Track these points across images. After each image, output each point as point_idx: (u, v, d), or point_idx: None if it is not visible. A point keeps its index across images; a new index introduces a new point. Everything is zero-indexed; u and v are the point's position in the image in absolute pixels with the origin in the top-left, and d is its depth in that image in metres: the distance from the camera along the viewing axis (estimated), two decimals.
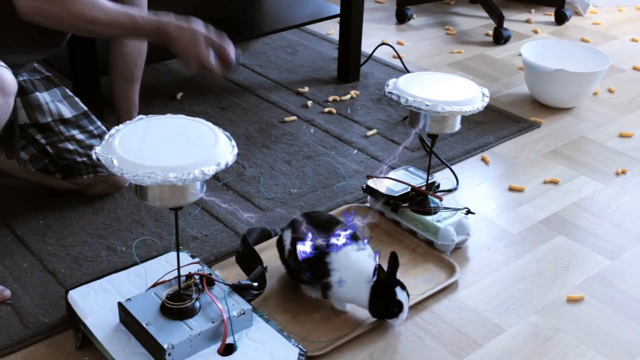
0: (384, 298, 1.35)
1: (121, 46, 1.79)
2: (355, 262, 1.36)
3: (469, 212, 1.64)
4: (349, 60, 2.38)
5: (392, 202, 1.64)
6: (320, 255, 1.37)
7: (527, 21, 3.07)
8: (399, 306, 1.35)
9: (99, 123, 1.72)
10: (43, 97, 1.62)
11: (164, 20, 1.46)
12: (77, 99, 1.69)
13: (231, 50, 1.47)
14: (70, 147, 1.67)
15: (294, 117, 2.17)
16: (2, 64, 1.36)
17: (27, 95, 1.59)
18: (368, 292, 1.34)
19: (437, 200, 1.65)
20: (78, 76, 1.84)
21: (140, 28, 1.45)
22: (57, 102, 1.64)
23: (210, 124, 1.20)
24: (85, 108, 1.70)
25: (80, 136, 1.68)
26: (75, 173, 1.69)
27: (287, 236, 1.43)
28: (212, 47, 1.45)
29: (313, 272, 1.38)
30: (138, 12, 1.46)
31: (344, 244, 1.37)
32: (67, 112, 1.65)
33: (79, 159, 1.68)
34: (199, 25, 1.46)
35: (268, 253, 1.55)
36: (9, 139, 1.61)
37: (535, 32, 2.95)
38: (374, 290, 1.34)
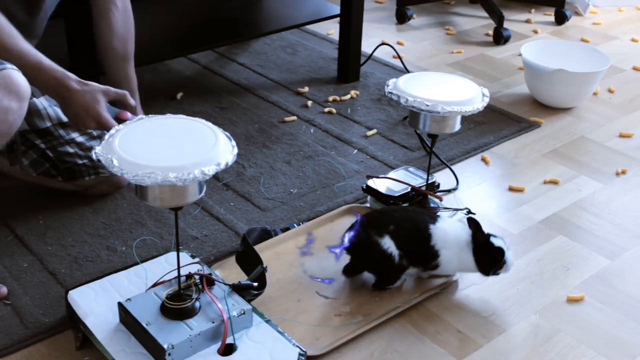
0: (486, 252, 1.43)
1: (110, 28, 1.74)
2: (451, 233, 1.44)
3: (469, 212, 1.64)
4: (349, 60, 2.38)
5: (392, 201, 1.64)
6: (425, 242, 1.43)
7: (527, 21, 3.07)
8: (501, 252, 1.43)
9: None
10: (40, 102, 1.62)
11: (68, 74, 1.44)
12: None
13: (130, 110, 1.49)
14: (71, 150, 1.66)
15: (294, 117, 2.17)
16: (12, 66, 1.34)
17: None
18: (472, 255, 1.43)
19: (437, 200, 1.65)
20: (78, 76, 1.84)
21: (42, 69, 1.42)
22: (54, 106, 1.64)
23: (210, 124, 1.20)
24: None
25: (80, 139, 1.68)
26: (76, 175, 1.69)
27: (388, 243, 1.43)
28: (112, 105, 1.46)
29: (422, 261, 1.45)
30: (45, 58, 1.43)
31: (435, 221, 1.45)
32: None
33: (80, 162, 1.68)
34: (98, 87, 1.46)
35: (268, 253, 1.55)
36: (10, 146, 1.60)
37: (535, 32, 2.95)
38: (475, 251, 1.43)
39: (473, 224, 1.44)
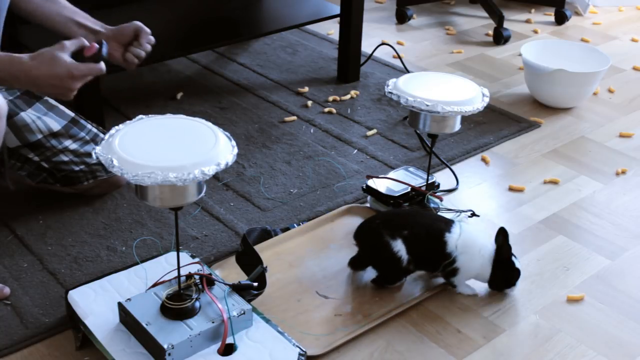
0: (505, 270, 1.45)
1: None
2: (470, 240, 1.44)
3: (473, 214, 1.64)
4: (349, 60, 2.38)
5: (393, 201, 1.64)
6: (442, 247, 1.43)
7: (527, 21, 3.07)
8: (518, 274, 1.46)
9: (89, 126, 1.70)
10: (28, 115, 1.60)
11: (15, 55, 1.33)
12: (62, 107, 1.67)
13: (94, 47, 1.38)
14: (65, 158, 1.65)
15: (294, 117, 2.17)
16: None
17: (13, 118, 1.56)
18: (490, 267, 1.44)
19: (437, 200, 1.65)
20: None
21: None
22: (43, 117, 1.62)
23: (210, 124, 1.20)
24: (72, 114, 1.68)
25: (73, 146, 1.66)
26: (74, 182, 1.69)
27: (399, 246, 1.43)
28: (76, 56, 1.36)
29: (440, 266, 1.45)
30: None
31: (451, 229, 1.44)
32: (56, 125, 1.63)
33: (76, 168, 1.67)
34: (52, 48, 1.34)
35: (268, 253, 1.55)
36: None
37: (535, 32, 2.95)
38: (495, 264, 1.44)
39: (502, 235, 1.44)
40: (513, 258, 1.46)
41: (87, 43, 1.38)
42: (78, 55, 1.36)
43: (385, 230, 1.44)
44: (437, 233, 1.44)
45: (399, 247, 1.42)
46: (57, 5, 1.62)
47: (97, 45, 1.37)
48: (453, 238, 1.43)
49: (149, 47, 1.56)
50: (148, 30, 1.56)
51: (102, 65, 1.37)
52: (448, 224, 1.46)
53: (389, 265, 1.44)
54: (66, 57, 1.33)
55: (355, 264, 1.51)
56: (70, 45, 1.35)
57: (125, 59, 1.55)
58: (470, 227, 1.48)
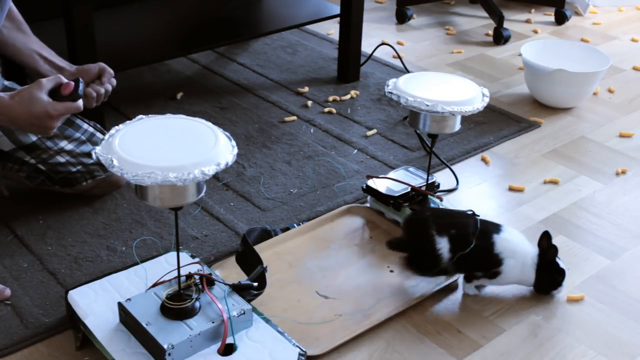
0: (550, 272, 1.46)
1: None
2: (518, 244, 1.45)
3: (473, 214, 1.64)
4: (349, 60, 2.38)
5: (393, 201, 1.64)
6: (490, 247, 1.43)
7: (527, 21, 3.07)
8: (563, 274, 1.47)
9: (84, 126, 1.69)
10: None
11: None
12: None
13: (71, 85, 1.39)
14: (62, 159, 1.65)
15: (294, 117, 2.17)
16: None
17: None
18: (534, 271, 1.45)
19: (437, 200, 1.65)
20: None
21: None
22: None
23: (210, 124, 1.20)
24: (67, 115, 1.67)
25: (69, 147, 1.66)
26: (73, 183, 1.69)
27: (443, 244, 1.42)
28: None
29: (485, 266, 1.45)
30: None
31: (501, 231, 1.45)
32: None
33: (74, 169, 1.67)
34: (29, 87, 1.35)
35: (268, 253, 1.55)
36: None
37: (535, 32, 2.95)
38: (540, 267, 1.45)
39: (546, 238, 1.46)
40: (557, 259, 1.47)
41: (64, 80, 1.39)
42: (55, 92, 1.38)
43: (434, 225, 1.44)
44: (485, 235, 1.44)
45: (443, 244, 1.42)
46: (27, 37, 1.64)
47: (73, 84, 1.38)
48: (502, 240, 1.44)
49: (109, 87, 1.59)
50: (111, 71, 1.59)
51: (80, 103, 1.39)
52: (497, 226, 1.47)
53: (428, 258, 1.44)
54: (44, 97, 1.35)
55: (394, 244, 1.49)
56: (47, 83, 1.37)
57: (85, 94, 1.56)
58: (515, 232, 1.49)
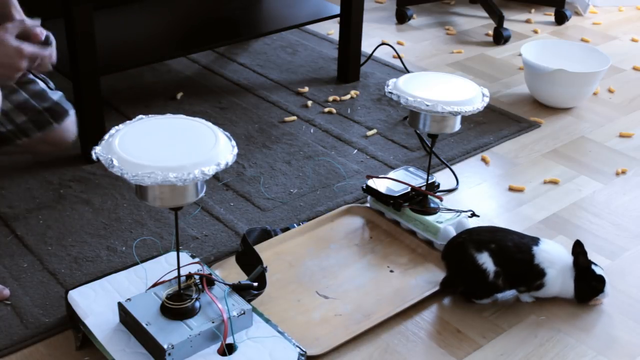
0: (588, 280, 1.45)
1: None
2: (556, 254, 1.45)
3: (473, 214, 1.64)
4: (349, 60, 2.38)
5: (393, 201, 1.64)
6: (531, 260, 1.43)
7: (527, 21, 3.07)
8: (602, 281, 1.45)
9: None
10: None
11: None
12: None
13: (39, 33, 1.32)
14: None
15: (294, 117, 2.17)
16: None
17: None
18: (573, 281, 1.45)
19: (437, 200, 1.65)
20: (78, 76, 1.84)
21: None
22: None
23: (210, 124, 1.20)
24: None
25: None
26: (7, 142, 1.63)
27: (485, 259, 1.42)
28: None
29: (528, 279, 1.44)
30: None
31: (538, 243, 1.46)
32: None
33: (3, 130, 1.60)
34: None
35: (268, 253, 1.55)
36: None
37: (535, 32, 2.95)
38: (577, 276, 1.45)
39: (578, 246, 1.46)
40: (593, 266, 1.46)
41: (28, 23, 1.32)
42: (21, 39, 1.31)
43: (471, 244, 1.44)
44: (524, 247, 1.44)
45: (485, 259, 1.42)
46: None
47: (45, 33, 1.32)
48: (541, 251, 1.44)
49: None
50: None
51: (52, 51, 1.32)
52: (534, 239, 1.47)
53: (475, 278, 1.44)
54: (12, 37, 1.29)
55: (446, 284, 1.49)
56: (12, 27, 1.31)
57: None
58: (553, 243, 1.49)
